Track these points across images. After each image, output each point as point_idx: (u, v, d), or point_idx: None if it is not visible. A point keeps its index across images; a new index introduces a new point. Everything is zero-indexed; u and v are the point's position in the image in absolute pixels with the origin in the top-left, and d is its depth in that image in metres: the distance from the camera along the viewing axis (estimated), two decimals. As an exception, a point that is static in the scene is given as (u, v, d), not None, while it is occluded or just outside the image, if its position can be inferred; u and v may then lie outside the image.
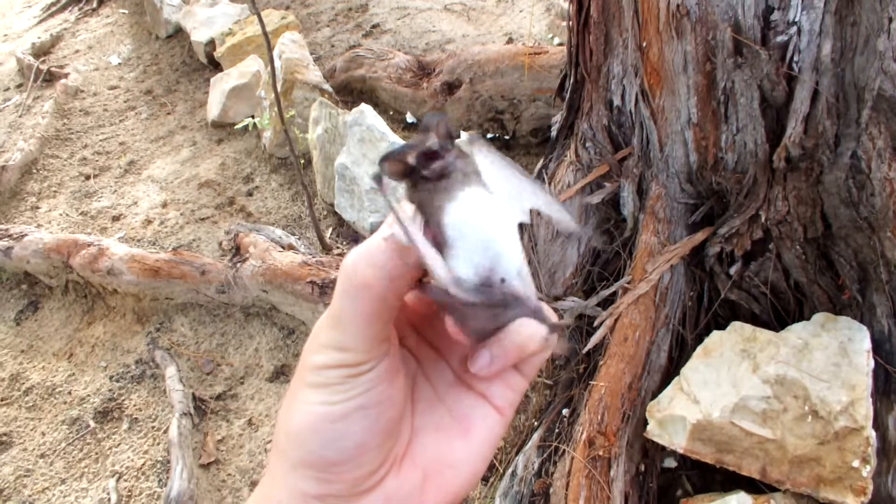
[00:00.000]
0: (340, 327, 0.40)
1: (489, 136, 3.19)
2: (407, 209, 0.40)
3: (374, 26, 4.49)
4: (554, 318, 0.42)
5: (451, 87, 3.27)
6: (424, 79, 3.44)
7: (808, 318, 1.77)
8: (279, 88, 3.26)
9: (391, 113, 3.58)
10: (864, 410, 1.53)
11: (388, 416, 0.42)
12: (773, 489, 1.65)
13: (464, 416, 0.46)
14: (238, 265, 2.62)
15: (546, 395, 2.08)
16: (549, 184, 2.18)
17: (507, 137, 3.16)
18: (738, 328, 1.75)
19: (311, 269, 2.40)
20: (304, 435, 0.40)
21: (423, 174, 0.39)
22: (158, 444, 2.35)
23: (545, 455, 1.87)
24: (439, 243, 0.38)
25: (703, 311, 1.98)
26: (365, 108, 2.65)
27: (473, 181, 0.40)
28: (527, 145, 3.14)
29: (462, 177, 0.39)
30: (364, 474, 0.42)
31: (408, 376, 0.47)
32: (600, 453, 1.69)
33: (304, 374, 0.41)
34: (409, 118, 3.45)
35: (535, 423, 2.00)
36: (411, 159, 0.39)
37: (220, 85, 3.82)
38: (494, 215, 0.39)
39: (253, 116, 3.13)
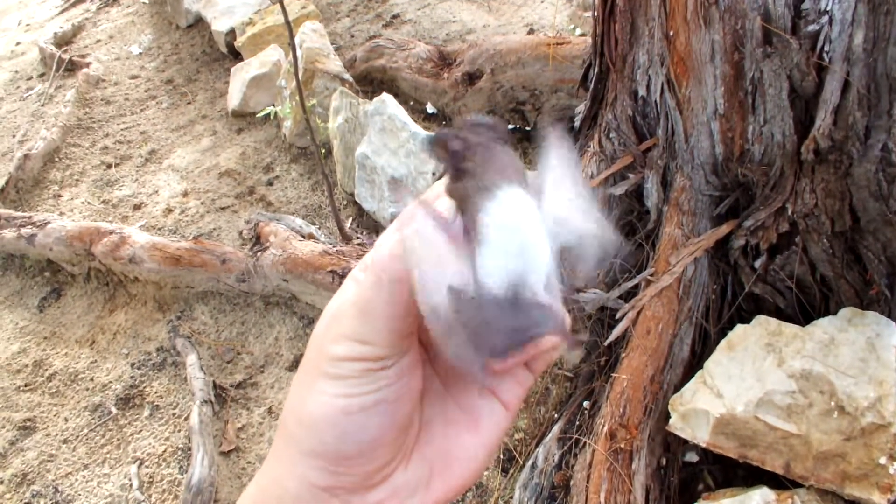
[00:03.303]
0: (367, 320, 0.39)
1: (510, 126, 3.17)
2: (445, 203, 0.39)
3: (394, 16, 4.48)
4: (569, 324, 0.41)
5: (472, 78, 3.26)
6: (445, 69, 3.43)
7: (835, 313, 1.75)
8: (301, 78, 3.26)
9: (411, 103, 3.57)
10: (892, 407, 1.51)
11: (405, 411, 0.42)
12: (796, 485, 1.63)
13: (471, 409, 0.46)
14: (258, 254, 2.63)
15: (566, 387, 2.07)
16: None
17: (528, 129, 3.14)
18: (762, 322, 1.73)
19: (331, 258, 2.40)
20: (320, 426, 0.40)
21: (465, 165, 0.38)
22: (179, 431, 2.37)
23: (566, 447, 1.86)
24: (471, 242, 0.37)
25: (726, 305, 1.96)
26: (386, 98, 2.64)
27: (517, 181, 0.38)
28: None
29: (505, 175, 0.38)
30: (376, 468, 0.41)
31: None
32: (622, 446, 1.68)
33: (320, 364, 0.40)
34: (430, 108, 3.43)
35: (556, 416, 2.00)
36: (456, 145, 0.38)
37: (241, 74, 3.83)
38: (532, 220, 0.38)
39: (274, 106, 3.13)
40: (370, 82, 3.80)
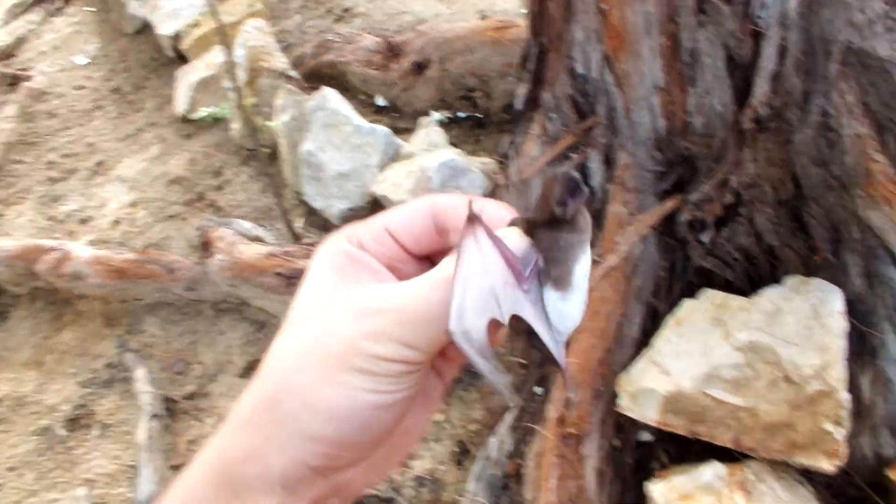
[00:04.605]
0: (421, 328, 0.40)
1: (462, 115, 3.12)
2: (514, 237, 0.42)
3: (345, 10, 4.40)
4: None
5: (420, 67, 3.20)
6: (393, 60, 3.36)
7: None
8: (244, 77, 3.19)
9: (362, 97, 3.49)
10: (837, 373, 1.48)
11: (413, 401, 0.44)
12: (748, 458, 1.60)
13: (428, 389, 0.48)
14: (205, 261, 2.56)
15: (520, 374, 2.03)
16: (517, 158, 2.11)
17: (480, 116, 3.09)
18: (709, 296, 1.70)
19: (277, 260, 2.34)
20: (341, 415, 0.40)
21: (570, 216, 0.41)
22: (130, 448, 2.30)
23: (519, 436, 1.81)
24: (544, 284, 0.41)
25: (676, 281, 1.92)
26: (327, 92, 2.58)
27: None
28: (500, 122, 3.07)
29: (587, 230, 0.42)
30: (371, 452, 0.44)
31: None
32: (572, 431, 1.64)
33: (350, 357, 0.40)
34: (380, 101, 3.37)
35: (509, 405, 1.95)
36: (574, 196, 0.40)
37: (187, 78, 3.74)
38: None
39: (216, 108, 3.05)
40: (320, 79, 3.72)
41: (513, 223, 0.43)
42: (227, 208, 3.16)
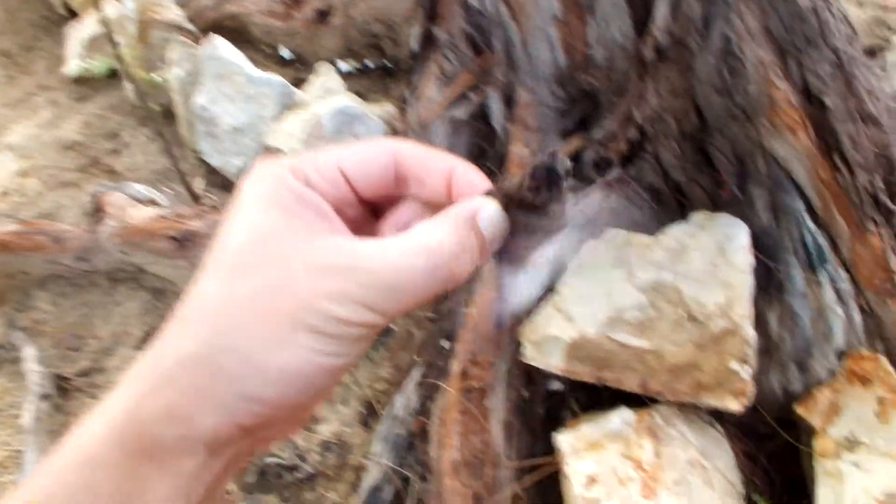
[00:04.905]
0: (395, 296, 0.38)
1: (370, 64, 2.97)
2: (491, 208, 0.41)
3: (248, -39, 4.15)
4: None
5: (322, 15, 3.02)
6: (296, 8, 3.17)
7: (691, 221, 1.65)
8: (134, 31, 2.97)
9: (266, 50, 3.30)
10: (742, 310, 1.43)
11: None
12: (657, 402, 1.55)
13: None
14: (96, 228, 2.38)
15: (429, 328, 1.93)
16: (415, 102, 1.99)
17: (389, 65, 2.95)
18: (612, 235, 1.62)
19: (167, 222, 2.18)
20: (289, 378, 0.37)
21: (553, 205, 0.41)
22: (22, 434, 2.13)
23: (424, 393, 1.73)
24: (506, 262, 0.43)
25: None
26: (217, 41, 2.40)
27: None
28: (409, 70, 2.93)
29: (558, 219, 0.42)
30: (306, 412, 0.45)
31: None
32: (474, 385, 1.56)
33: (303, 316, 0.37)
34: (285, 53, 3.19)
35: (417, 360, 1.86)
36: (560, 191, 0.41)
37: (77, 35, 3.47)
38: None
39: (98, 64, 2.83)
40: (222, 32, 3.50)
41: (490, 193, 0.42)
42: (125, 173, 2.96)
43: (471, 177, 0.43)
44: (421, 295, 0.39)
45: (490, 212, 0.41)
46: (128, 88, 3.19)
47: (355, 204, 0.44)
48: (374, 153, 0.43)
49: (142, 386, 0.37)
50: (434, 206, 0.44)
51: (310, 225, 0.39)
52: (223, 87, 2.34)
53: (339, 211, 0.42)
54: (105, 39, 3.40)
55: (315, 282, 0.37)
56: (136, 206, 2.37)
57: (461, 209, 0.41)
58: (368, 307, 0.37)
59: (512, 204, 0.41)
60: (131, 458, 0.36)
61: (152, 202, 2.40)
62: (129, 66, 2.23)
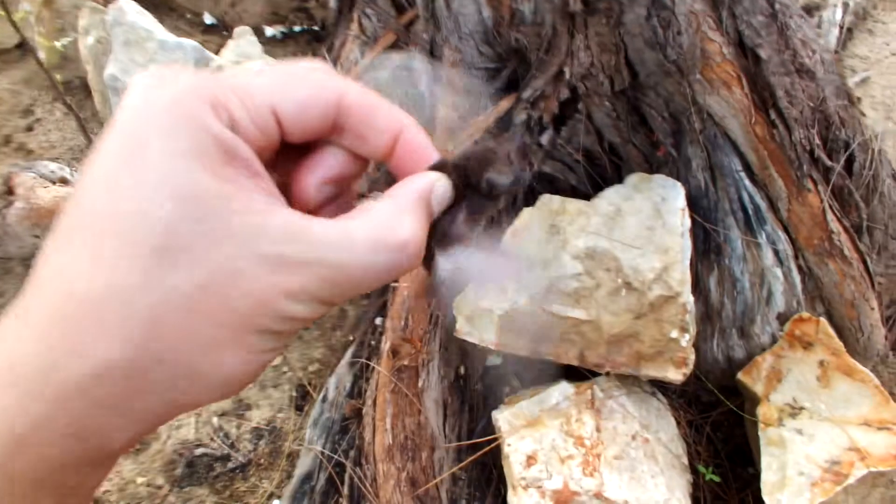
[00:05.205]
0: (345, 287, 0.33)
1: (298, 29, 2.82)
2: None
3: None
4: None
5: (246, -22, 2.85)
6: (218, -28, 2.99)
7: (626, 183, 1.59)
8: (41, -3, 2.75)
9: (189, 16, 3.12)
10: (679, 275, 1.37)
11: None
12: (597, 375, 1.49)
13: None
14: (4, 211, 2.21)
15: (362, 306, 1.84)
16: (336, 65, 1.87)
17: (316, 29, 2.80)
18: (545, 202, 1.54)
19: (78, 202, 2.02)
20: (232, 381, 0.32)
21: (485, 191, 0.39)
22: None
23: (357, 373, 1.64)
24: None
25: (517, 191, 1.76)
26: (124, 4, 2.22)
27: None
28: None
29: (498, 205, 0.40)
30: None
31: None
32: (406, 363, 1.48)
33: (258, 318, 0.30)
34: (208, 19, 3.01)
35: (350, 339, 1.77)
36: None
37: (-18, 5, 3.22)
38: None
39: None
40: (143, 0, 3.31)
41: (441, 167, 0.38)
42: (40, 151, 2.77)
43: (420, 141, 0.38)
44: (374, 286, 0.35)
45: (442, 191, 0.37)
46: (44, 61, 2.99)
47: (275, 150, 0.35)
48: (315, 96, 0.34)
49: (37, 402, 0.28)
50: (360, 158, 0.38)
51: (244, 191, 0.31)
52: (134, 55, 2.18)
53: (260, 157, 0.33)
54: (10, 7, 3.17)
55: (271, 277, 0.30)
56: (47, 185, 2.21)
57: (418, 191, 0.36)
58: (325, 302, 0.33)
59: (462, 181, 0.38)
60: (20, 486, 0.29)
61: (63, 181, 2.24)
62: (33, 35, 2.05)
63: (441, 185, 0.37)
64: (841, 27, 2.89)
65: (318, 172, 0.37)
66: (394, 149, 0.37)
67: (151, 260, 0.28)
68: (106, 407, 0.29)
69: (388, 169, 0.38)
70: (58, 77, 2.94)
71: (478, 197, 0.39)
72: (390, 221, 0.34)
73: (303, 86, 0.34)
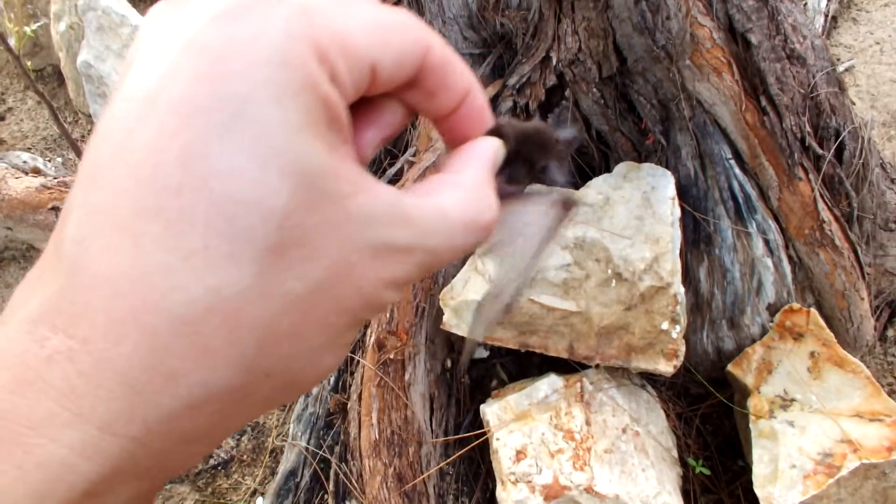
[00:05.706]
0: (430, 271, 0.31)
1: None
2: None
3: None
4: None
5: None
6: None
7: (614, 171, 1.56)
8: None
9: None
10: (670, 265, 1.34)
11: None
12: (587, 367, 1.47)
13: None
14: (-26, 203, 2.14)
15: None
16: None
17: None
18: (533, 190, 1.51)
19: (51, 192, 1.96)
20: (324, 377, 0.30)
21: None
22: None
23: (342, 367, 1.60)
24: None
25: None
26: (97, -11, 2.15)
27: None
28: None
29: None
30: None
31: None
32: (392, 356, 1.44)
33: (364, 310, 0.27)
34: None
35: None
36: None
37: (-50, -11, 3.13)
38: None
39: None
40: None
41: (496, 132, 0.34)
42: (12, 140, 2.70)
43: (483, 104, 0.34)
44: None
45: (498, 159, 0.34)
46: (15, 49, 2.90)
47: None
48: (410, 52, 0.29)
49: (107, 445, 0.22)
50: (412, 113, 0.33)
51: (346, 165, 0.25)
52: (108, 41, 2.11)
53: None
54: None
55: (378, 267, 0.27)
56: (19, 176, 2.14)
57: (490, 160, 0.33)
58: (403, 287, 0.30)
59: (513, 154, 0.36)
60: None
61: (36, 171, 2.17)
62: (3, 21, 1.98)
63: (499, 153, 0.35)
64: (826, 15, 2.88)
65: (379, 130, 0.32)
66: (458, 110, 0.33)
67: (264, 262, 0.23)
68: (191, 441, 0.24)
69: (438, 128, 0.35)
70: (29, 65, 2.86)
71: (525, 170, 0.38)
72: (479, 198, 0.32)
73: (401, 38, 0.29)
